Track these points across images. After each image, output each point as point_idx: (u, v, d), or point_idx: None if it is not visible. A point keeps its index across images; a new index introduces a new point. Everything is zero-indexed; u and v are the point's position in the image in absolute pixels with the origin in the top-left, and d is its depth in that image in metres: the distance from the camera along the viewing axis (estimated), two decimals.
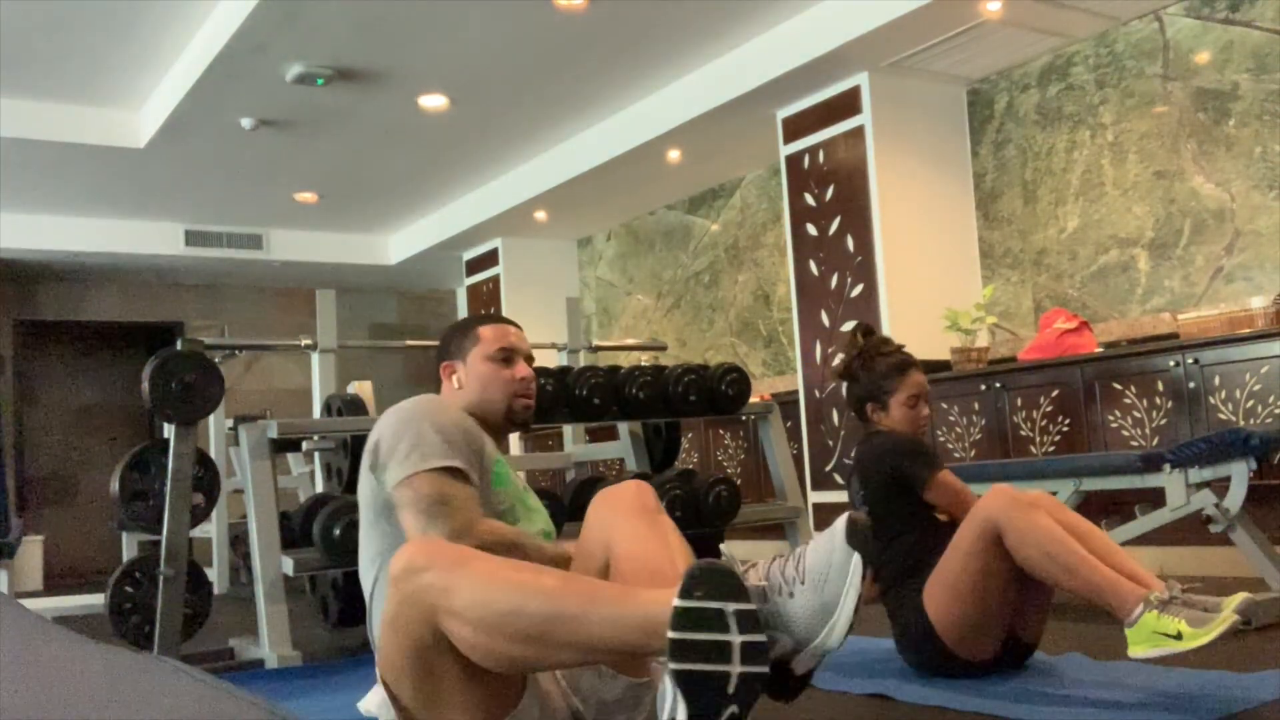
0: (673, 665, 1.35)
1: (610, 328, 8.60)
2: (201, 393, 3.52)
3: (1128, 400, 4.40)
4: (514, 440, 7.29)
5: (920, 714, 2.25)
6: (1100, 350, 4.71)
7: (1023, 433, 4.75)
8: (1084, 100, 5.25)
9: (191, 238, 8.37)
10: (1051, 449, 4.63)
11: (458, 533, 1.79)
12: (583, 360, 5.03)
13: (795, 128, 5.87)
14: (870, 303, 5.40)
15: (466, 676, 1.54)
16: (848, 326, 4.37)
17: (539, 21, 5.11)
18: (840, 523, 1.47)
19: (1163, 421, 4.29)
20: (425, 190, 7.96)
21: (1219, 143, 4.74)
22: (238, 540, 6.02)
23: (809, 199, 5.78)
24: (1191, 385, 4.19)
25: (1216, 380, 4.14)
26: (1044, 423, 4.68)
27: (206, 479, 3.71)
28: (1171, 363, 4.26)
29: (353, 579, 3.73)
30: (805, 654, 1.46)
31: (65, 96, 6.16)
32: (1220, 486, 3.30)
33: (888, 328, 5.26)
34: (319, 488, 4.74)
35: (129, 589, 3.61)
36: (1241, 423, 4.02)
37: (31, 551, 7.57)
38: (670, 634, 1.35)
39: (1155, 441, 4.28)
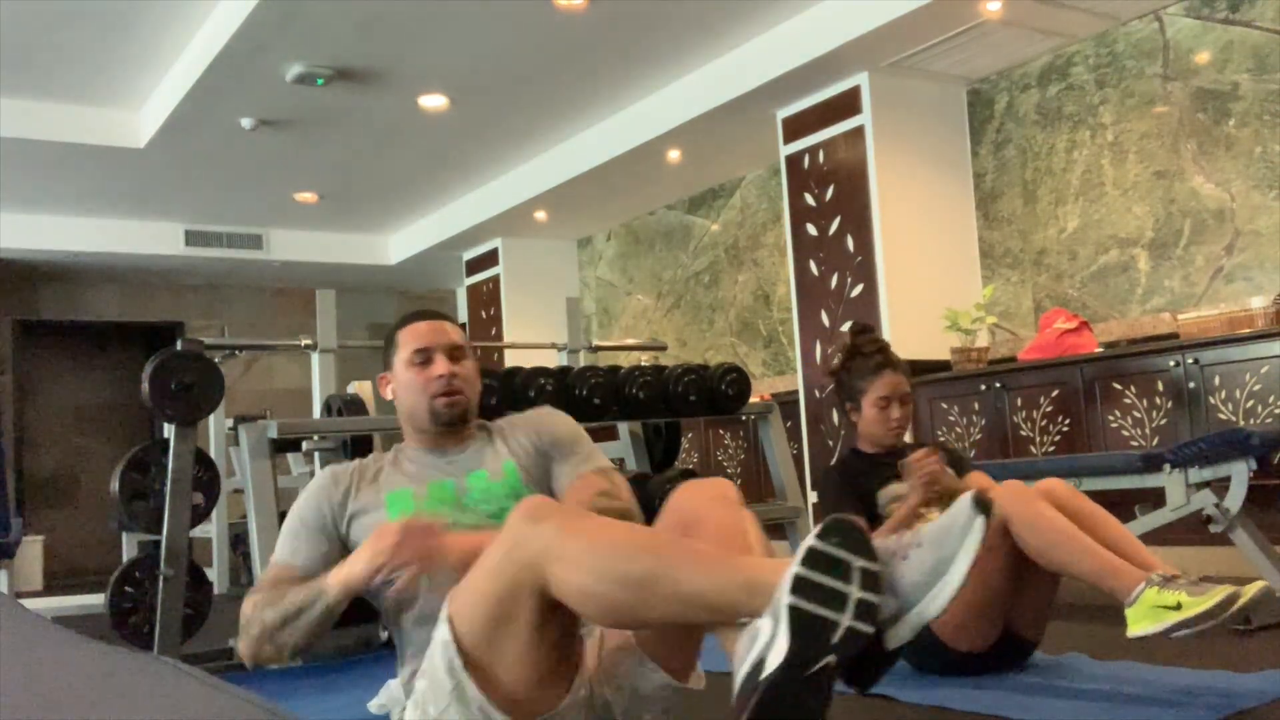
0: (790, 599, 1.39)
1: (610, 328, 8.60)
2: (201, 393, 3.52)
3: (1128, 400, 4.40)
4: None
5: (920, 714, 2.25)
6: (1100, 350, 4.71)
7: (1023, 433, 4.75)
8: (1084, 100, 5.25)
9: (191, 238, 8.37)
10: (1051, 449, 4.63)
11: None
12: (583, 360, 5.04)
13: (795, 128, 5.87)
14: (870, 303, 5.40)
15: (538, 632, 1.60)
16: (848, 326, 4.36)
17: (539, 22, 5.11)
18: (967, 495, 1.52)
19: (1163, 421, 4.29)
20: (425, 190, 7.96)
21: (1219, 143, 4.74)
22: (238, 540, 6.03)
23: (809, 199, 5.78)
24: (1191, 385, 4.19)
25: (1216, 380, 4.14)
26: (1044, 423, 4.68)
27: (206, 479, 3.71)
28: (1171, 363, 4.26)
29: None
30: (904, 623, 1.49)
31: (65, 96, 6.16)
32: (1220, 486, 3.30)
33: (888, 328, 5.26)
34: None
35: (129, 589, 3.61)
36: (1241, 423, 4.02)
37: (32, 551, 7.57)
38: (797, 569, 1.40)
39: (1155, 441, 4.28)
